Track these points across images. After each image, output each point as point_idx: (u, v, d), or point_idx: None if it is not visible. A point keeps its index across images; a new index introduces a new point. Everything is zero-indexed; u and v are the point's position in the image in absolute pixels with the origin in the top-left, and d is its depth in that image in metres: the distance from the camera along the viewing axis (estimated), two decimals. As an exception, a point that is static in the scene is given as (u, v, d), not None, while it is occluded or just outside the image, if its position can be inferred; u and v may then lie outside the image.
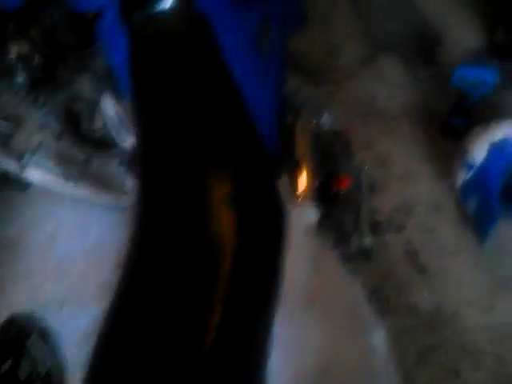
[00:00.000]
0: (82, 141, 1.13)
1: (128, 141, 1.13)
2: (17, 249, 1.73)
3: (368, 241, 0.98)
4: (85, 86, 1.06)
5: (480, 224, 1.35)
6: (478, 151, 1.33)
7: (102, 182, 1.59)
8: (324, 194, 0.92)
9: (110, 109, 1.08)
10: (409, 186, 1.56)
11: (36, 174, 1.63)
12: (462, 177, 1.37)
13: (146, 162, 0.60)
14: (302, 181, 0.79)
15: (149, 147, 0.59)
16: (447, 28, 1.89)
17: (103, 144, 1.13)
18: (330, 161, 0.96)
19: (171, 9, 0.54)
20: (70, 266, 1.66)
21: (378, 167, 1.62)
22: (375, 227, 1.09)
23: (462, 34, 1.85)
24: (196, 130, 0.57)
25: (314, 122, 0.95)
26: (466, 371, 1.21)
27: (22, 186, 1.74)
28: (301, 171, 0.82)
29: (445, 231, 1.45)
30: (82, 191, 1.66)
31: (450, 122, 1.60)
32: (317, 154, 0.90)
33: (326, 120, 1.01)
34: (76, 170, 1.55)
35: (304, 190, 0.78)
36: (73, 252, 1.66)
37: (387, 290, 1.37)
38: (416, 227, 1.48)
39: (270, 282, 0.51)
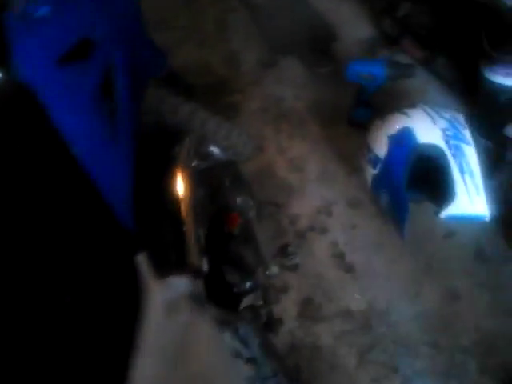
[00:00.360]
0: None
1: None
2: None
3: (274, 269, 0.96)
4: None
5: (395, 216, 1.36)
6: (380, 146, 1.34)
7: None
8: (217, 236, 0.89)
9: None
10: (325, 187, 1.56)
11: None
12: (371, 172, 1.39)
13: None
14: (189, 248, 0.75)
15: None
16: (340, 24, 1.91)
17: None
18: (219, 197, 0.93)
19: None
20: None
21: (293, 172, 1.62)
22: (283, 251, 1.07)
23: (354, 29, 1.87)
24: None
25: (194, 164, 0.91)
26: (404, 365, 1.23)
27: None
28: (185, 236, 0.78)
29: (366, 227, 1.47)
30: None
31: (353, 114, 1.62)
32: (203, 194, 0.86)
33: (214, 150, 0.98)
34: None
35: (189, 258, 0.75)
36: None
37: (319, 297, 1.36)
38: (338, 227, 1.49)
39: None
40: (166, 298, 0.61)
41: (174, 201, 0.80)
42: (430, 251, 1.39)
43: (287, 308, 1.34)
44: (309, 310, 1.35)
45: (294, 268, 1.33)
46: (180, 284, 0.68)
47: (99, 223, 0.58)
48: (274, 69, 1.87)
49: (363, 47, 1.83)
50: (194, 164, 0.88)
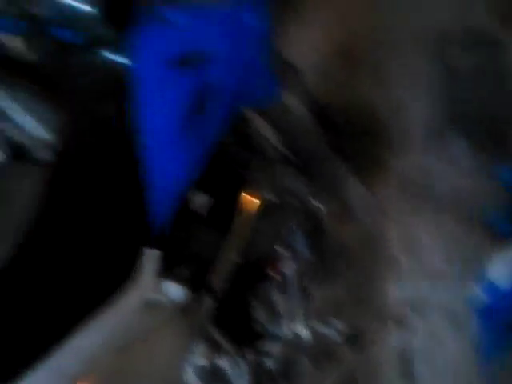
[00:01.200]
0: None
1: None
2: None
3: (303, 331, 0.92)
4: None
5: (483, 347, 1.17)
6: (503, 275, 1.16)
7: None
8: (256, 271, 0.89)
9: None
10: (434, 286, 1.41)
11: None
12: (478, 294, 1.20)
13: None
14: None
15: None
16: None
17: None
18: (274, 238, 0.92)
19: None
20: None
21: (409, 255, 1.50)
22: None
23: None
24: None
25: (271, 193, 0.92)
26: None
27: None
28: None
29: (450, 343, 1.29)
30: None
31: (495, 225, 1.41)
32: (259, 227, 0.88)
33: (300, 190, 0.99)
34: None
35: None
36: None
37: (361, 379, 1.25)
38: (424, 331, 1.33)
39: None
40: (149, 296, 0.66)
41: (229, 218, 0.84)
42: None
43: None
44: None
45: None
46: (176, 291, 0.71)
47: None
48: (437, 140, 1.73)
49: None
50: (267, 196, 0.91)
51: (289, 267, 0.95)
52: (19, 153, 0.74)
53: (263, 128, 1.02)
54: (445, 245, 1.48)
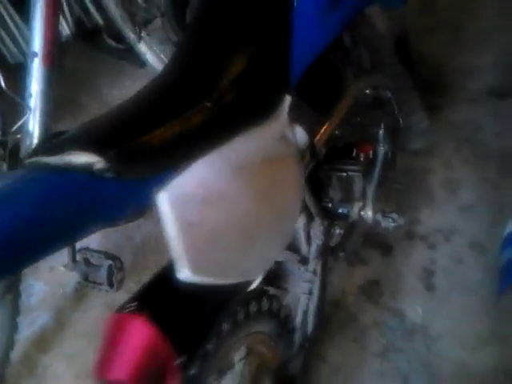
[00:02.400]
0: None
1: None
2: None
3: (369, 216, 1.03)
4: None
5: (505, 275, 1.31)
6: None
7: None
8: (347, 151, 1.00)
9: None
10: (464, 218, 1.54)
11: (151, 55, 1.88)
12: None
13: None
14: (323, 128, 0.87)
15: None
16: None
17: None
18: (369, 128, 1.02)
19: None
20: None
21: (446, 189, 1.62)
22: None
23: None
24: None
25: (367, 92, 1.02)
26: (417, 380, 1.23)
27: (141, 63, 2.01)
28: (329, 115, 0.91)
29: (472, 268, 1.43)
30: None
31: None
32: (356, 116, 0.97)
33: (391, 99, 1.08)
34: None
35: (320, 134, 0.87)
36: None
37: (386, 285, 1.40)
38: (447, 253, 1.47)
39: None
40: (284, 131, 0.75)
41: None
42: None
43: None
44: (368, 288, 1.41)
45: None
46: (301, 134, 0.81)
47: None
48: (500, 101, 1.83)
49: None
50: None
51: (376, 153, 1.05)
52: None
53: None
54: (480, 186, 1.61)
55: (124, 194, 0.51)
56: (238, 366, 0.88)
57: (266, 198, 0.66)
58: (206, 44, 0.73)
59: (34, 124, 1.09)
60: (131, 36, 1.79)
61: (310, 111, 0.83)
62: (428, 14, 2.11)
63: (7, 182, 0.47)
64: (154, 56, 1.86)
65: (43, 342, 1.39)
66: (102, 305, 1.43)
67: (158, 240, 1.54)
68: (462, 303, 1.37)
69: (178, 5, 1.20)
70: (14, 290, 1.22)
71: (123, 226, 0.56)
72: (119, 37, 1.90)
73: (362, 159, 1.03)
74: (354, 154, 1.04)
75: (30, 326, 1.38)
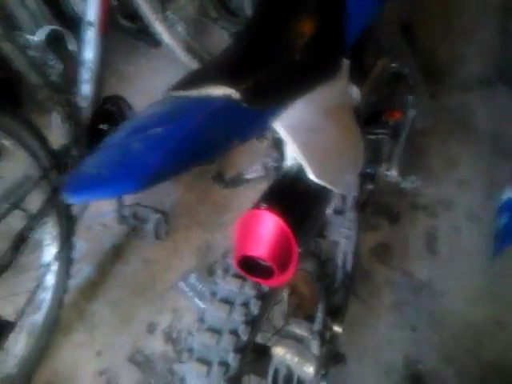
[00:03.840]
0: (219, 5, 1.39)
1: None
2: (128, 83, 2.08)
3: (394, 175, 1.16)
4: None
5: (500, 238, 1.47)
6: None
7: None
8: (376, 117, 1.12)
9: None
10: (461, 190, 1.70)
11: (167, 35, 1.95)
12: (508, 195, 1.50)
13: None
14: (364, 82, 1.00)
15: None
16: None
17: (233, 13, 1.39)
18: (395, 97, 1.15)
19: None
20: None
21: (444, 165, 1.78)
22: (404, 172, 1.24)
23: None
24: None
25: (395, 65, 1.15)
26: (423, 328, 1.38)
27: (155, 42, 2.08)
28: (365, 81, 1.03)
29: (469, 234, 1.59)
30: (195, 66, 1.96)
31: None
32: (385, 86, 1.10)
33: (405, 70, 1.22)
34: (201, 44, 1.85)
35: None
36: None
37: (395, 249, 1.55)
38: (447, 221, 1.63)
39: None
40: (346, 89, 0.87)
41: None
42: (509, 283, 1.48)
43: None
44: (379, 249, 1.55)
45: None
46: (356, 93, 0.93)
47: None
48: (487, 88, 2.00)
49: None
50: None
51: (405, 118, 1.18)
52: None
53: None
54: (474, 162, 1.77)
55: (251, 119, 0.63)
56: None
57: (345, 131, 0.79)
58: (276, 14, 0.84)
59: (90, 87, 1.17)
60: (150, 15, 1.86)
61: (359, 75, 0.95)
62: (418, 7, 2.27)
63: (167, 108, 0.58)
64: (170, 35, 1.94)
65: (89, 291, 1.49)
66: (138, 259, 1.53)
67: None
68: (462, 265, 1.53)
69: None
70: (67, 245, 1.30)
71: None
72: (132, 17, 1.96)
73: (390, 124, 1.16)
74: (383, 120, 1.16)
75: (75, 278, 1.45)
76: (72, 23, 1.67)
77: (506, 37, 2.15)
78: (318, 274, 1.03)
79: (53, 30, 1.09)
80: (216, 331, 0.78)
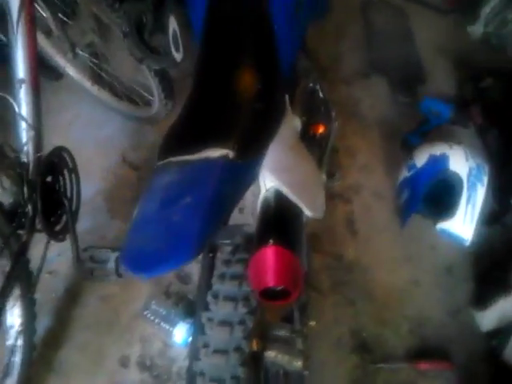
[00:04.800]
0: (141, 44, 1.45)
1: (178, 55, 1.47)
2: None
3: (323, 179, 1.37)
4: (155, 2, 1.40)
5: (405, 211, 1.77)
6: (420, 158, 1.76)
7: (130, 92, 1.93)
8: (304, 133, 1.31)
9: (172, 27, 1.42)
10: (364, 175, 1.98)
11: (72, 69, 1.95)
12: (404, 174, 1.80)
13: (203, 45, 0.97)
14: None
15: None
16: (432, 71, 2.34)
17: (157, 51, 1.46)
18: (314, 112, 1.35)
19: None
20: (81, 150, 1.97)
21: (346, 156, 2.04)
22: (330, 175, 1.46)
23: (440, 80, 2.30)
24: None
25: (311, 85, 1.35)
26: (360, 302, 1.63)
27: (57, 75, 2.05)
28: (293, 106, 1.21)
29: (379, 212, 1.87)
30: (106, 96, 1.98)
31: (408, 139, 2.03)
32: (307, 104, 1.29)
33: (319, 88, 1.42)
34: (111, 75, 1.88)
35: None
36: (85, 140, 1.98)
37: (324, 237, 1.77)
38: (359, 204, 1.90)
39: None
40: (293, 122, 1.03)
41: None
42: (415, 246, 1.79)
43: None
44: (312, 239, 1.77)
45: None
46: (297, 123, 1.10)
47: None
48: (365, 79, 2.30)
49: (441, 96, 2.26)
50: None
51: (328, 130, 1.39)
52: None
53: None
54: (370, 149, 2.06)
55: (246, 171, 0.76)
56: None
57: (306, 159, 0.97)
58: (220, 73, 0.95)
59: (33, 143, 1.20)
60: (51, 50, 1.84)
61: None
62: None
63: (179, 175, 0.70)
64: (75, 68, 1.93)
65: (53, 341, 1.49)
66: (95, 298, 1.56)
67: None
68: (379, 239, 1.80)
69: (139, 26, 1.35)
70: (30, 302, 1.31)
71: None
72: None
73: (317, 137, 1.35)
74: (310, 134, 1.35)
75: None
76: None
77: (369, 29, 2.49)
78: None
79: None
80: (222, 351, 0.91)
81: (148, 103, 1.83)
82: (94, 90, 2.00)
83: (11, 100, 1.16)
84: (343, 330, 1.60)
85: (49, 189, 1.27)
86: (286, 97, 1.02)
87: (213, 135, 0.77)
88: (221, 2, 0.96)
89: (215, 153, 0.72)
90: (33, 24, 1.18)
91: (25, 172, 1.20)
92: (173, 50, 1.41)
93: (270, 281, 0.74)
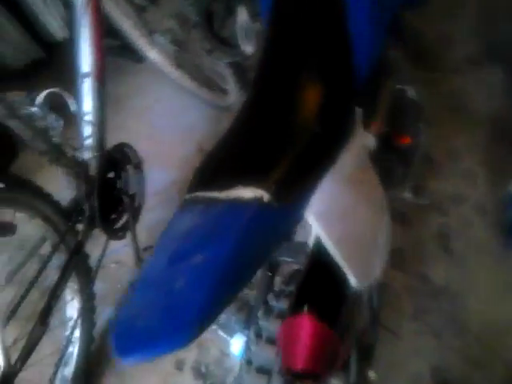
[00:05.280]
0: (211, 35, 1.35)
1: (248, 48, 1.33)
2: (119, 105, 2.02)
3: (408, 197, 1.15)
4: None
5: (511, 230, 1.49)
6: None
7: (209, 80, 1.84)
8: (386, 143, 1.10)
9: (243, 17, 1.29)
10: (466, 183, 1.70)
11: (154, 53, 1.89)
12: (515, 188, 1.50)
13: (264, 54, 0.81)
14: (375, 121, 0.97)
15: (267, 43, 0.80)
16: None
17: (227, 43, 1.34)
18: (401, 120, 1.13)
19: None
20: (157, 137, 1.92)
21: (446, 159, 1.77)
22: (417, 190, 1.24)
23: None
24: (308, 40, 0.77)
25: (399, 86, 1.12)
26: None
27: (139, 58, 2.02)
28: (375, 113, 1.00)
29: (480, 228, 1.60)
30: (187, 81, 1.91)
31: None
32: (392, 111, 1.07)
33: (410, 91, 1.19)
34: (191, 61, 1.80)
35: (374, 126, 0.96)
36: (163, 126, 1.94)
37: (409, 253, 1.55)
38: (457, 217, 1.63)
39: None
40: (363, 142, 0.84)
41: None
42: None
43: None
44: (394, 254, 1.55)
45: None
46: (371, 140, 0.90)
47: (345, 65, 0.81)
48: (477, 67, 1.97)
49: None
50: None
51: (415, 143, 1.16)
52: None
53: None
54: (478, 151, 1.77)
55: (283, 216, 0.60)
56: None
57: (371, 193, 0.77)
58: (277, 89, 0.78)
59: (94, 139, 1.14)
60: (134, 32, 1.80)
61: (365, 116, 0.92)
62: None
63: (201, 220, 0.56)
64: (158, 51, 1.88)
65: None
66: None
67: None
68: (477, 260, 1.53)
69: (210, 16, 1.24)
70: (89, 296, 1.30)
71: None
72: (113, 34, 1.89)
73: (400, 149, 1.14)
74: (392, 144, 1.14)
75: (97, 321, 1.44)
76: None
77: (492, 14, 2.12)
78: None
79: (49, 93, 1.05)
80: (265, 370, 0.80)
81: (225, 92, 1.72)
82: (175, 74, 1.93)
83: (71, 96, 1.10)
84: (423, 364, 1.38)
85: (110, 186, 1.22)
86: (358, 112, 0.83)
87: (249, 168, 0.62)
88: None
89: (247, 193, 0.58)
90: (99, 14, 1.10)
91: (85, 169, 1.15)
92: (243, 41, 1.27)
93: (298, 363, 0.61)
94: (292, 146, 0.66)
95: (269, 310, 0.93)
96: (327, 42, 0.80)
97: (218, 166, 0.66)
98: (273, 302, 0.94)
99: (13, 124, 0.97)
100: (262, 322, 0.91)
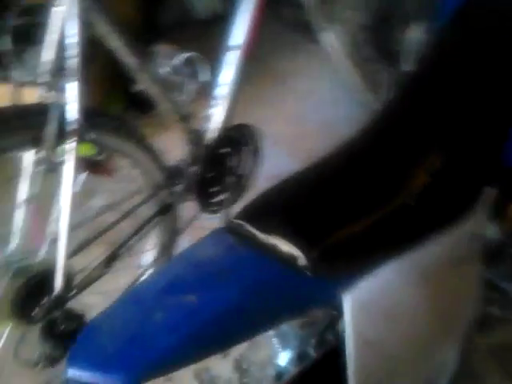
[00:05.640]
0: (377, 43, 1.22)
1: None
2: (278, 80, 1.99)
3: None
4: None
5: None
6: None
7: (374, 80, 1.70)
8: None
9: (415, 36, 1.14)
10: None
11: (332, 38, 1.80)
12: None
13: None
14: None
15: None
16: None
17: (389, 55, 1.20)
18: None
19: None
20: (301, 125, 1.87)
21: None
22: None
23: None
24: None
25: None
26: None
27: (314, 37, 1.95)
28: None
29: None
30: (353, 75, 1.81)
31: None
32: None
33: None
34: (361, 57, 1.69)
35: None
36: (307, 112, 1.86)
37: None
38: None
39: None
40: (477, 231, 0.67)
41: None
42: None
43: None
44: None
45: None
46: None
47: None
48: None
49: None
50: None
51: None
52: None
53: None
54: None
55: (314, 288, 0.52)
56: None
57: (443, 311, 0.61)
58: (403, 131, 0.67)
59: (222, 110, 1.14)
60: (316, 10, 1.73)
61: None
62: None
63: (222, 254, 0.51)
64: (336, 36, 1.80)
65: None
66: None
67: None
68: None
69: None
70: (167, 253, 1.34)
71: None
72: (295, 6, 1.86)
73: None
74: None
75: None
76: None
77: None
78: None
79: (190, 56, 1.07)
80: None
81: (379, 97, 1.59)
82: (346, 65, 1.83)
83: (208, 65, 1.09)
84: None
85: (219, 161, 1.21)
86: (491, 192, 0.66)
87: (306, 219, 0.53)
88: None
89: (283, 246, 0.49)
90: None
91: (200, 137, 1.15)
92: (406, 60, 1.13)
93: None
94: (368, 210, 0.55)
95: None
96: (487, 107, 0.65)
97: (280, 203, 0.58)
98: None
99: (144, 79, 1.00)
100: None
